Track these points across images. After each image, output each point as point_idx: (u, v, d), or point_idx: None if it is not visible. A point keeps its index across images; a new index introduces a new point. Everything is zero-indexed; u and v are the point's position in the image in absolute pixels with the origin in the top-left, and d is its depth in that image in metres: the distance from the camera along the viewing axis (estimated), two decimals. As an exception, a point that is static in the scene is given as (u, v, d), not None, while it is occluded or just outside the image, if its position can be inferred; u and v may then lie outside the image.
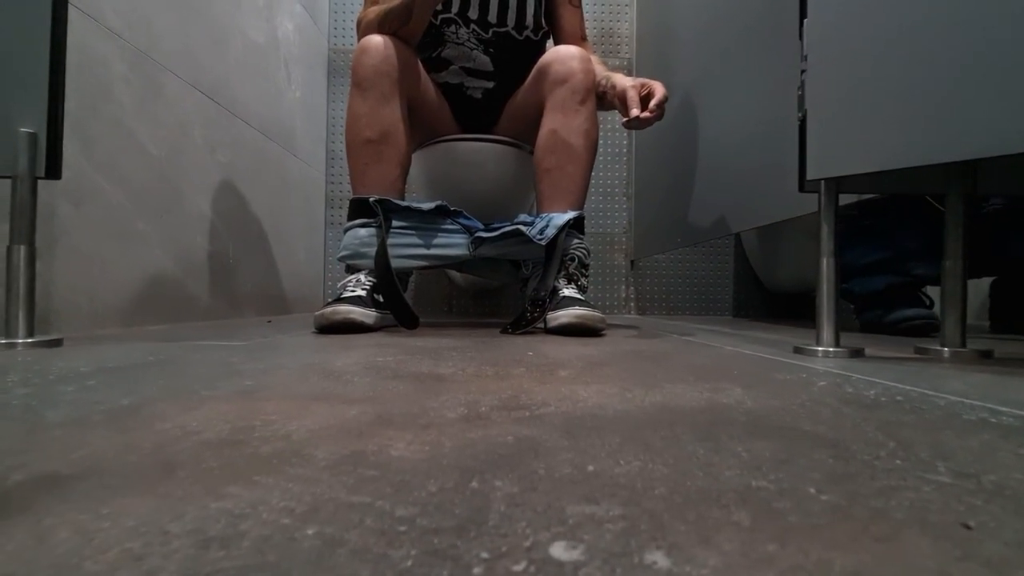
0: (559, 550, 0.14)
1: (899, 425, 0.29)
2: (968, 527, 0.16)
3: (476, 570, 0.13)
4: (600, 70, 1.07)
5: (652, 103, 0.95)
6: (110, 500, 0.17)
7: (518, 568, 0.13)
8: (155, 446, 0.23)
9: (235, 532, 0.15)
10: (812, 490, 0.19)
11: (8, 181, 0.61)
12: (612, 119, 1.77)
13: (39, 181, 0.62)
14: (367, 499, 0.18)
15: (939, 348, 0.63)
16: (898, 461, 0.22)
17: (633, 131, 1.75)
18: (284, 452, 0.23)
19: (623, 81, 1.01)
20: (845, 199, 0.78)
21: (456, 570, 0.13)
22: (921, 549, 0.15)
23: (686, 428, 0.27)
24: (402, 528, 0.15)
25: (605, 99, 1.05)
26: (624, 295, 1.79)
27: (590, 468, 0.21)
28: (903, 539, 0.15)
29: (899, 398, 0.36)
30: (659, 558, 0.14)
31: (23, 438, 0.24)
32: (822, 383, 0.42)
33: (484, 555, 0.14)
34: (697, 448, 0.24)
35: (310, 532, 0.15)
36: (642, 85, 0.98)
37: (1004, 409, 0.33)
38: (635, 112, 0.95)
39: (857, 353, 0.62)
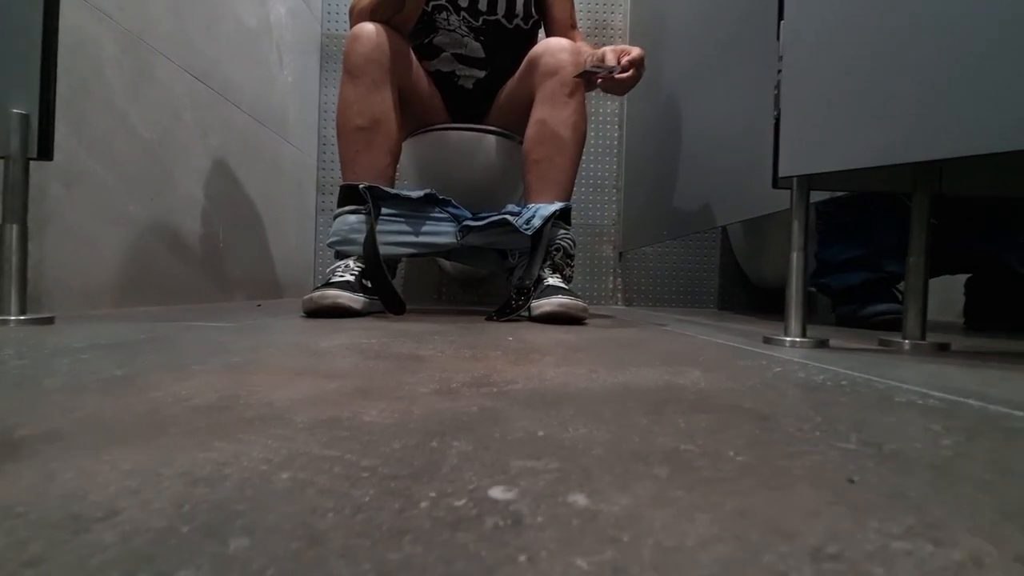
0: (497, 492, 0.17)
1: (833, 404, 0.31)
2: (852, 481, 0.19)
3: (423, 504, 0.16)
4: (587, 50, 1.07)
5: (625, 59, 0.97)
6: (108, 449, 0.19)
7: (459, 503, 0.16)
8: (148, 409, 0.25)
9: (219, 475, 0.17)
10: (731, 453, 0.21)
11: (0, 162, 0.62)
12: (603, 111, 1.79)
13: (31, 162, 0.63)
14: (337, 453, 0.20)
15: (900, 340, 0.67)
16: (818, 433, 0.25)
17: (623, 124, 1.76)
18: (266, 416, 0.25)
19: (604, 48, 1.02)
20: (821, 196, 0.81)
21: (406, 504, 0.16)
22: (803, 496, 0.17)
23: (638, 403, 0.30)
24: (365, 475, 0.18)
25: (591, 77, 1.06)
26: (612, 286, 1.82)
27: (540, 433, 0.23)
28: (792, 489, 0.18)
29: (844, 383, 0.39)
30: (580, 499, 0.16)
31: (23, 401, 0.27)
32: (778, 369, 0.45)
33: (432, 494, 0.16)
34: (642, 419, 0.26)
35: (284, 476, 0.17)
36: (622, 51, 0.99)
37: (935, 393, 0.36)
38: (610, 62, 0.96)
39: (822, 344, 0.65)
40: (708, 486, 0.18)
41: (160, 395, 0.28)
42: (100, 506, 0.15)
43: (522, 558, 0.13)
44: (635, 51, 0.98)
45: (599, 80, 0.99)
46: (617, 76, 0.96)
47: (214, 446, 0.20)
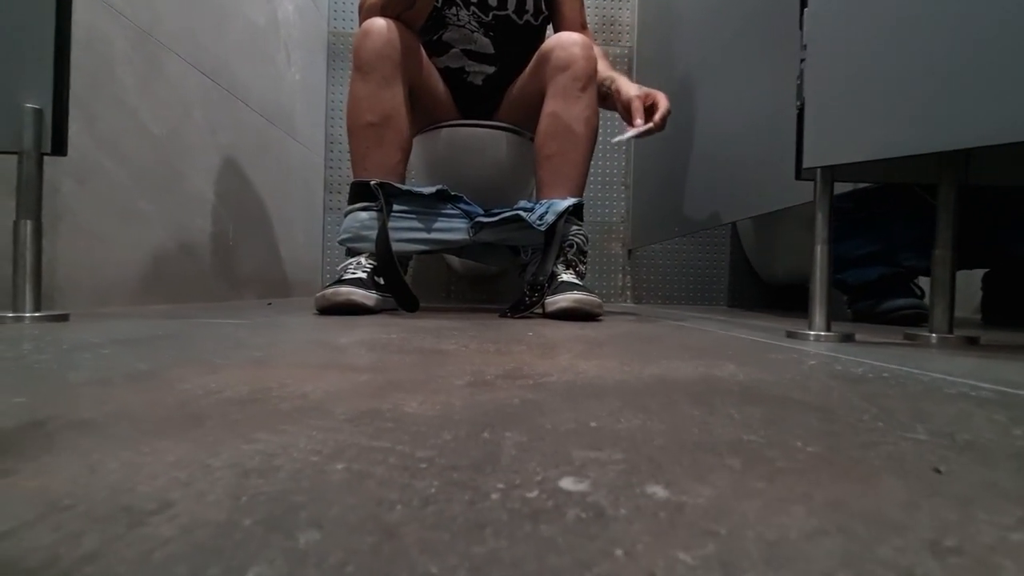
0: (568, 483, 0.16)
1: (883, 396, 0.30)
2: (939, 471, 0.17)
3: (494, 496, 0.14)
4: (604, 66, 1.07)
5: (657, 116, 0.97)
6: (148, 441, 0.19)
7: (531, 495, 0.15)
8: (179, 402, 0.25)
9: (270, 466, 0.16)
10: (799, 443, 0.20)
11: (14, 157, 0.61)
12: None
13: (44, 157, 0.63)
14: (387, 444, 0.19)
15: (927, 334, 0.65)
16: (880, 423, 0.24)
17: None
18: (304, 408, 0.24)
19: (628, 89, 1.02)
20: (841, 188, 0.80)
21: (476, 496, 0.14)
22: (894, 488, 0.16)
23: (682, 395, 0.29)
24: (423, 466, 0.17)
25: (608, 101, 1.06)
26: (621, 283, 1.80)
27: (592, 424, 0.22)
28: (879, 480, 0.17)
29: (885, 375, 0.38)
30: (658, 490, 0.15)
31: (50, 394, 0.26)
32: (812, 362, 0.44)
33: (500, 486, 0.15)
34: (692, 411, 0.25)
35: (339, 467, 0.16)
36: (646, 96, 0.99)
37: (983, 385, 0.35)
38: (639, 122, 0.97)
39: (848, 338, 0.63)
40: (788, 477, 0.17)
41: (189, 388, 0.27)
42: (151, 498, 0.14)
43: (618, 552, 0.12)
44: (663, 105, 0.98)
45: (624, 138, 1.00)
46: (643, 128, 0.97)
47: (257, 437, 0.19)
